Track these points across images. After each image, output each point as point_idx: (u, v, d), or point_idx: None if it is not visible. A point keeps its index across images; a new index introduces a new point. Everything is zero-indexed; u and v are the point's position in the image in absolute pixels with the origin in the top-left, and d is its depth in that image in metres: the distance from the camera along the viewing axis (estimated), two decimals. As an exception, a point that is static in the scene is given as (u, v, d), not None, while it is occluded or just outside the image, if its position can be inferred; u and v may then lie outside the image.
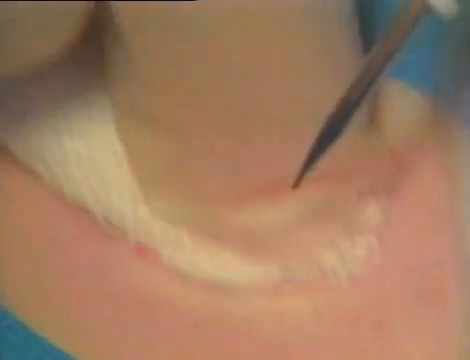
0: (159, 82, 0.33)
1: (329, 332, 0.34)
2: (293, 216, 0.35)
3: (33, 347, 0.32)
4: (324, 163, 0.34)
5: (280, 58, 0.32)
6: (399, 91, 0.38)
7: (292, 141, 0.34)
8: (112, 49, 0.34)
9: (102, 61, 0.36)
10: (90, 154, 0.36)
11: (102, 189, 0.36)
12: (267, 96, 0.33)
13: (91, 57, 0.36)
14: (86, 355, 0.33)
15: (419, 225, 0.36)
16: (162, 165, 0.35)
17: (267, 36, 0.31)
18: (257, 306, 0.35)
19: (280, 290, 0.35)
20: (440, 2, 0.30)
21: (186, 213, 0.35)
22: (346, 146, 0.34)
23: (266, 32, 0.31)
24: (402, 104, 0.38)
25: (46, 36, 0.32)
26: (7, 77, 0.34)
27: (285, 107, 0.33)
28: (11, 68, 0.33)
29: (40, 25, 0.31)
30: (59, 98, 0.36)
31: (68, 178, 0.36)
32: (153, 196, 0.35)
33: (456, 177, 0.35)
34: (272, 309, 0.35)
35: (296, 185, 0.32)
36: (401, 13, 0.30)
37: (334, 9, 0.33)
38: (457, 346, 0.33)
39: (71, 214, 0.36)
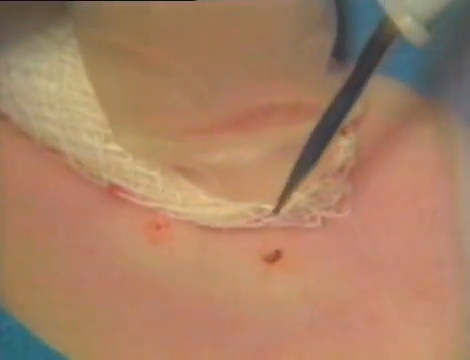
0: (127, 18, 0.32)
1: (318, 317, 0.34)
2: (264, 153, 0.35)
3: (32, 350, 0.32)
4: (294, 100, 0.35)
5: (251, 4, 0.32)
6: (395, 90, 0.38)
7: (260, 78, 0.33)
8: None
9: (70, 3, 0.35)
10: (60, 93, 0.36)
11: (73, 128, 0.36)
12: (237, 34, 0.32)
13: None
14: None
15: (417, 224, 0.36)
16: (130, 99, 0.35)
17: None
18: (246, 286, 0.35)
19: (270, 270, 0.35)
20: (412, 31, 0.30)
21: (155, 147, 0.35)
22: (314, 84, 0.35)
23: None
24: (398, 103, 0.38)
25: None
26: None
27: (254, 45, 0.33)
28: None
29: None
30: (28, 40, 0.36)
31: (38, 117, 0.36)
32: (122, 131, 0.35)
33: (455, 176, 0.35)
34: (262, 290, 0.35)
35: (277, 211, 0.34)
36: (372, 39, 0.31)
37: None
38: (456, 345, 0.33)
39: (42, 158, 0.36)
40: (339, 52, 0.37)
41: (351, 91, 0.32)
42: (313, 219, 0.36)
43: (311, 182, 0.35)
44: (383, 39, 0.31)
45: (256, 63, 0.33)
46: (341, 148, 0.37)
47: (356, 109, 0.34)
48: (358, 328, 0.33)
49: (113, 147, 0.35)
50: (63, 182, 0.36)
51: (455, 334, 0.33)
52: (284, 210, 0.35)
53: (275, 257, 0.35)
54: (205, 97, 0.33)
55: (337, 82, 0.36)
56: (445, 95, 0.37)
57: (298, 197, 0.35)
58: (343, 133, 0.37)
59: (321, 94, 0.35)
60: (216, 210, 0.35)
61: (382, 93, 0.38)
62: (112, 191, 0.36)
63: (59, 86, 0.36)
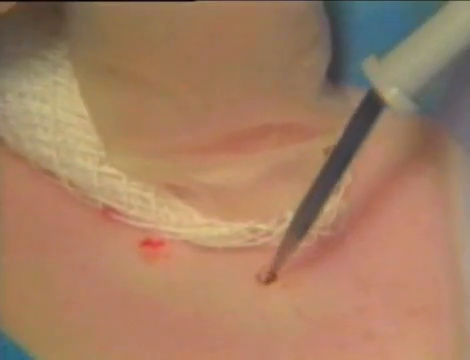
0: (120, 37, 0.32)
1: (313, 335, 0.34)
2: (259, 173, 0.35)
3: None
4: (289, 121, 0.35)
5: (245, 24, 0.32)
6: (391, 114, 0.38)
7: (254, 98, 0.33)
8: (72, 6, 0.34)
9: (65, 25, 0.35)
10: (55, 116, 0.36)
11: (67, 150, 0.36)
12: (231, 54, 0.32)
13: (53, 23, 0.36)
14: None
15: (413, 243, 0.35)
16: (123, 119, 0.35)
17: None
18: (240, 304, 0.35)
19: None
20: (399, 103, 0.29)
21: (149, 167, 0.35)
22: (308, 105, 0.35)
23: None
24: (393, 123, 0.37)
25: None
26: None
27: (248, 65, 0.33)
28: None
29: None
30: (23, 64, 0.36)
31: (32, 140, 0.36)
32: (115, 152, 0.35)
33: (451, 195, 0.35)
34: (257, 308, 0.34)
35: (273, 272, 0.34)
36: (359, 110, 0.31)
37: None
38: None
39: (38, 181, 0.36)
40: (334, 73, 0.37)
41: (338, 164, 0.32)
42: (309, 238, 0.35)
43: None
44: (370, 110, 0.31)
45: (250, 83, 0.33)
46: None
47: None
48: (354, 346, 0.33)
49: (107, 169, 0.35)
50: (58, 204, 0.36)
51: (452, 353, 0.32)
52: (279, 230, 0.35)
53: (270, 279, 0.35)
54: (200, 117, 0.33)
55: (331, 103, 0.36)
56: (442, 116, 0.37)
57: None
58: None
59: (315, 115, 0.35)
60: (211, 230, 0.35)
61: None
62: (106, 213, 0.36)
63: (53, 108, 0.36)
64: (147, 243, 0.36)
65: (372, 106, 0.30)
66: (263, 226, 0.35)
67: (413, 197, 0.36)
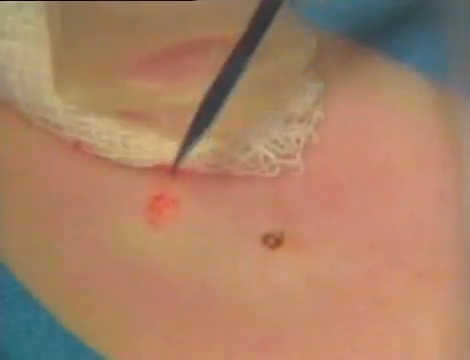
0: None
1: (325, 308, 0.33)
2: None
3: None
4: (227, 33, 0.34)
5: None
6: (403, 75, 0.38)
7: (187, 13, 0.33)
8: None
9: None
10: (24, 54, 0.36)
11: (35, 88, 0.36)
12: None
13: None
14: None
15: (424, 204, 0.35)
16: (63, 50, 0.35)
17: None
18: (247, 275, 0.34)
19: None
20: None
21: (99, 96, 0.35)
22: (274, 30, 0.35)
23: None
24: (405, 87, 0.38)
25: None
26: None
27: None
28: None
29: None
30: None
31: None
32: (64, 83, 0.36)
33: (463, 159, 0.35)
34: (263, 278, 0.34)
35: (174, 170, 0.34)
36: None
37: None
38: (463, 331, 0.32)
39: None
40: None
41: (245, 49, 0.32)
42: (272, 169, 0.36)
43: (272, 128, 0.36)
44: None
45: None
46: (307, 91, 0.37)
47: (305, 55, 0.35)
48: (364, 314, 0.33)
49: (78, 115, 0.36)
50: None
51: (462, 320, 0.32)
52: (244, 158, 0.35)
53: (276, 243, 0.35)
54: (133, 35, 0.33)
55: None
56: (453, 80, 0.37)
57: (257, 144, 0.35)
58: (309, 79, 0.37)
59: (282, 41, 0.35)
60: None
61: (387, 76, 0.38)
62: (77, 146, 0.36)
63: (22, 47, 0.36)
64: (154, 207, 0.35)
65: None
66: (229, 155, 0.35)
67: (423, 163, 0.36)
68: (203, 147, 0.35)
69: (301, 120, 0.37)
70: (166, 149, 0.36)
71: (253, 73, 0.33)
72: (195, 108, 0.33)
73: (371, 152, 0.37)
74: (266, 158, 0.36)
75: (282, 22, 0.34)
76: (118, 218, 0.35)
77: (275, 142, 0.36)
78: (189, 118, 0.33)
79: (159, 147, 0.36)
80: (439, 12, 0.37)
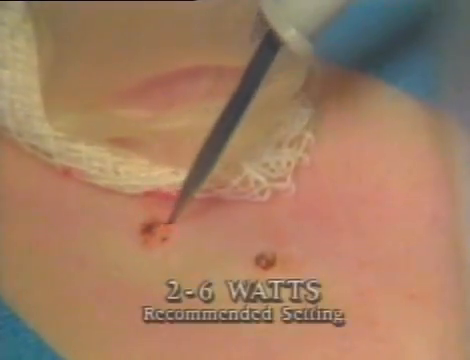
0: None
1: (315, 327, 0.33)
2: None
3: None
4: (219, 63, 0.35)
5: None
6: (395, 97, 0.39)
7: (181, 42, 0.33)
8: None
9: None
10: (14, 82, 0.36)
11: (25, 115, 0.36)
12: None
13: None
14: None
15: (415, 225, 0.35)
16: (53, 77, 0.35)
17: None
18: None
19: None
20: (296, 43, 0.31)
21: (88, 123, 0.35)
22: (242, 48, 0.34)
23: None
24: (396, 110, 0.38)
25: None
26: None
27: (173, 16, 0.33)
28: None
29: None
30: None
31: None
32: (54, 111, 0.36)
33: (455, 181, 0.35)
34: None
35: (171, 221, 0.34)
36: (258, 51, 0.32)
37: None
38: (457, 354, 0.32)
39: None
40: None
41: (238, 104, 0.33)
42: (262, 192, 0.36)
43: (263, 152, 0.36)
44: (269, 51, 0.32)
45: (177, 30, 0.33)
46: (297, 116, 0.37)
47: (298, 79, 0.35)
48: (354, 334, 0.32)
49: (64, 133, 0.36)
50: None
51: (453, 342, 0.32)
52: (235, 182, 0.35)
53: (268, 265, 0.35)
54: (126, 61, 0.34)
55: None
56: (445, 101, 0.37)
57: (248, 168, 0.35)
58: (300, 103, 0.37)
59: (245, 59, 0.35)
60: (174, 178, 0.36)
61: (378, 98, 0.38)
62: (68, 173, 0.36)
63: (12, 74, 0.36)
64: (145, 228, 0.35)
65: (271, 46, 0.31)
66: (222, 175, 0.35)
67: (416, 185, 0.36)
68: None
69: (291, 144, 0.37)
70: (157, 175, 0.36)
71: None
72: (186, 134, 0.34)
73: (363, 174, 0.37)
74: (257, 182, 0.36)
75: None
76: (109, 239, 0.35)
77: (266, 166, 0.36)
78: (180, 144, 0.34)
79: (150, 173, 0.36)
80: (430, 35, 0.38)
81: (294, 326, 0.32)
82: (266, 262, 0.34)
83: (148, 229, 0.35)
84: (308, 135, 0.37)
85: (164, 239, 0.35)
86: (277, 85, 0.35)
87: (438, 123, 0.37)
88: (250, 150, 0.36)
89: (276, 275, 0.34)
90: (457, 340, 0.32)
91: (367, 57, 0.40)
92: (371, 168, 0.37)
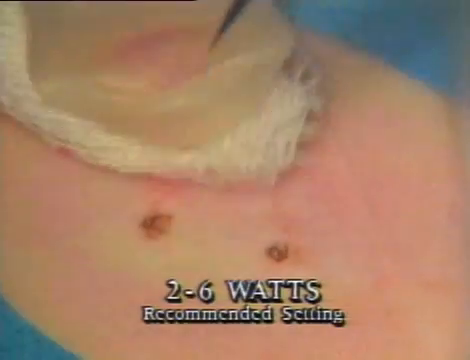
0: None
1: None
2: (205, 100, 0.34)
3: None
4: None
5: None
6: (415, 90, 0.37)
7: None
8: None
9: None
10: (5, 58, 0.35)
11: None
12: None
13: None
14: None
15: (432, 217, 0.35)
16: (39, 45, 0.34)
17: None
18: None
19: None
20: None
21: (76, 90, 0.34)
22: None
23: None
24: (418, 103, 0.37)
25: None
26: None
27: None
28: None
29: None
30: None
31: None
32: (42, 82, 0.35)
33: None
34: None
35: (214, 44, 0.32)
36: None
37: None
38: None
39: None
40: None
41: None
42: (268, 178, 0.35)
43: (260, 136, 0.35)
44: None
45: None
46: (295, 96, 0.35)
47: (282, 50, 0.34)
48: (371, 323, 0.33)
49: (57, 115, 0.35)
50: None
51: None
52: (240, 169, 0.34)
53: (280, 257, 0.34)
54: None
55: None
56: (461, 91, 0.36)
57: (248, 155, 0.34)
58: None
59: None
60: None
61: (393, 88, 0.38)
62: (62, 151, 0.35)
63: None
64: (148, 221, 0.35)
65: None
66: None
67: (433, 170, 0.36)
68: (198, 165, 0.34)
69: (289, 125, 0.35)
70: (151, 156, 0.35)
71: (231, 66, 0.33)
72: (179, 116, 0.33)
73: (377, 162, 0.36)
74: (248, 167, 0.35)
75: (260, 15, 0.33)
76: (109, 230, 0.34)
77: (265, 150, 0.35)
78: (176, 125, 0.33)
79: (143, 154, 0.35)
80: (448, 25, 0.37)
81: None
82: (278, 254, 0.34)
83: (150, 221, 0.34)
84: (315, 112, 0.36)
85: (166, 231, 0.34)
86: (261, 54, 0.34)
87: (454, 113, 0.36)
88: (246, 137, 0.34)
89: (289, 267, 0.34)
90: None
91: (389, 46, 0.39)
92: (386, 156, 0.36)
